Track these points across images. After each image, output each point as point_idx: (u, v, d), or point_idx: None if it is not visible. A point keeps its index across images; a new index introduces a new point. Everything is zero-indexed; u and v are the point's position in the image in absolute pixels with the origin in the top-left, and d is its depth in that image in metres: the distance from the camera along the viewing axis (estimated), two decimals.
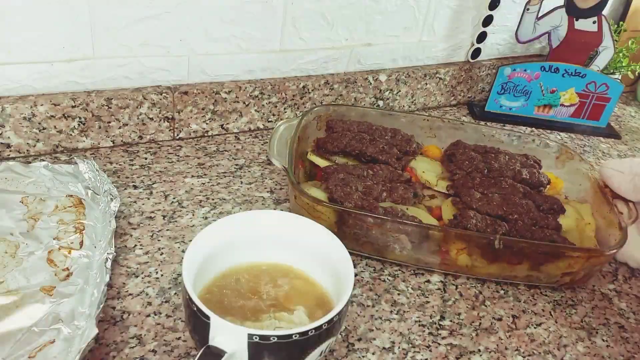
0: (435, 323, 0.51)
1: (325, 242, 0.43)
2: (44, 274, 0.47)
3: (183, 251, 0.54)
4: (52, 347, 0.41)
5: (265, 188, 0.65)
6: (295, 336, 0.32)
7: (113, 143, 0.68)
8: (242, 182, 0.66)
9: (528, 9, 0.88)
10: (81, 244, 0.51)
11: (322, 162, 0.65)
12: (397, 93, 0.89)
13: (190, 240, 0.55)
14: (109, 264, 0.48)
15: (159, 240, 0.55)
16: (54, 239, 0.51)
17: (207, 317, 0.33)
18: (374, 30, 0.82)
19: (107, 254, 0.49)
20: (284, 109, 0.79)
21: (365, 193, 0.57)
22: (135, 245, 0.54)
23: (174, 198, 0.61)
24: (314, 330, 0.33)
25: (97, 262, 0.48)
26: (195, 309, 0.34)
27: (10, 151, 0.62)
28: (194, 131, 0.73)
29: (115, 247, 0.51)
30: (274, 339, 0.32)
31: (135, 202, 0.59)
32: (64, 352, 0.40)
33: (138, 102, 0.67)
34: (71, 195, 0.56)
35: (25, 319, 0.42)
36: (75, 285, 0.46)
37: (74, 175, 0.59)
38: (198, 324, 0.34)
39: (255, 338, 0.32)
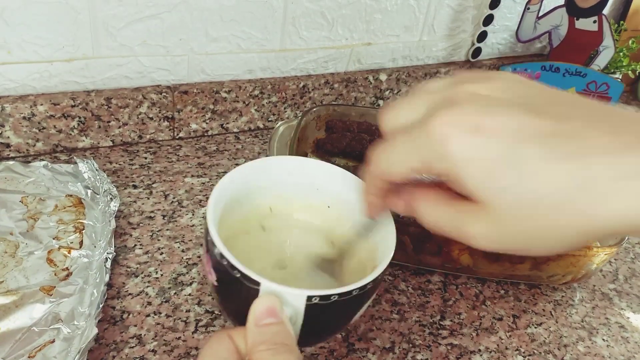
0: (436, 323, 0.51)
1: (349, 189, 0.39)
2: (43, 274, 0.47)
3: (183, 251, 0.54)
4: (52, 346, 0.41)
5: None
6: (355, 291, 0.30)
7: (113, 143, 0.68)
8: None
9: (529, 9, 0.88)
10: (81, 243, 0.51)
11: None
12: (398, 92, 0.89)
13: (190, 240, 0.55)
14: (108, 263, 0.48)
15: (158, 240, 0.55)
16: (53, 238, 0.51)
17: (257, 283, 0.29)
18: (374, 30, 0.82)
19: (106, 253, 0.49)
20: (284, 108, 0.78)
21: None
22: (135, 245, 0.54)
23: (173, 198, 0.61)
24: (371, 283, 0.31)
25: (96, 261, 0.48)
26: (238, 275, 0.29)
27: (9, 151, 0.62)
28: (193, 131, 0.73)
29: (115, 246, 0.51)
30: (334, 297, 0.29)
31: (135, 201, 0.59)
32: (64, 352, 0.40)
33: (138, 102, 0.67)
34: (71, 195, 0.56)
35: (25, 319, 0.42)
36: (75, 285, 0.46)
37: (73, 174, 0.59)
38: (241, 291, 0.30)
39: (315, 300, 0.29)
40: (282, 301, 0.29)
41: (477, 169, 0.23)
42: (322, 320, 0.31)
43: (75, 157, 0.60)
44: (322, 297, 0.29)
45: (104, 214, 0.54)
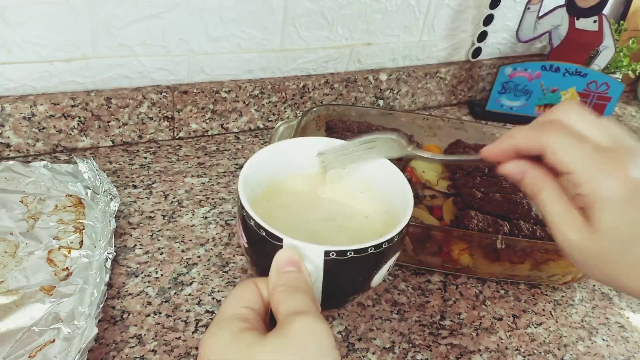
0: (436, 323, 0.51)
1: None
2: (43, 274, 0.47)
3: (183, 251, 0.54)
4: (52, 346, 0.41)
5: None
6: (371, 249, 0.32)
7: (113, 142, 0.68)
8: None
9: (529, 8, 0.88)
10: (81, 243, 0.51)
11: None
12: (398, 92, 0.89)
13: (190, 240, 0.55)
14: (108, 263, 0.48)
15: (158, 240, 0.55)
16: (53, 238, 0.51)
17: (279, 240, 0.32)
18: (374, 30, 0.82)
19: (107, 253, 0.49)
20: (284, 108, 0.78)
21: None
22: (135, 245, 0.54)
23: (173, 198, 0.61)
24: (387, 243, 0.33)
25: (96, 261, 0.48)
26: (264, 233, 0.32)
27: (10, 151, 0.62)
28: (193, 131, 0.73)
29: (115, 246, 0.51)
30: (350, 253, 0.32)
31: (135, 201, 0.59)
32: (64, 352, 0.40)
33: (138, 102, 0.67)
34: (71, 195, 0.56)
35: (26, 319, 0.42)
36: (75, 285, 0.46)
37: (73, 174, 0.59)
38: (267, 249, 0.33)
39: (332, 255, 0.32)
40: (303, 256, 0.31)
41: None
42: (340, 276, 0.33)
43: (75, 157, 0.60)
44: (338, 253, 0.32)
45: (104, 214, 0.54)
